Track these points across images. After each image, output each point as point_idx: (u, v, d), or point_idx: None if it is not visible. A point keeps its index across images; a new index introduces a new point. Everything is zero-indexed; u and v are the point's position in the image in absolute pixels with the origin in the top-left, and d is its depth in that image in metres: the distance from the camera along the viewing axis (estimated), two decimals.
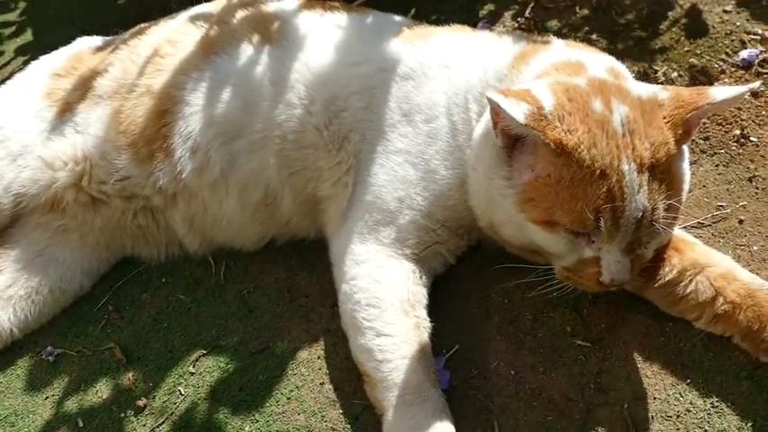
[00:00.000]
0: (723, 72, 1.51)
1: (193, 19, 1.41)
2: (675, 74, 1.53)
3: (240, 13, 1.37)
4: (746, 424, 1.00)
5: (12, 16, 2.39)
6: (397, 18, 1.39)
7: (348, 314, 1.15)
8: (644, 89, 1.05)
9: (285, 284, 1.31)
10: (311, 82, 1.25)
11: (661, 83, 1.51)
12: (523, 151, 1.02)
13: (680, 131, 1.01)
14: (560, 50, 1.15)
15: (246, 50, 1.31)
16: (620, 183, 0.96)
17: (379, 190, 1.18)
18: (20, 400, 1.24)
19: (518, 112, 0.96)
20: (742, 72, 1.50)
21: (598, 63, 1.11)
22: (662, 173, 0.99)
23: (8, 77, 1.64)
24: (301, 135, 1.25)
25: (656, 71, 1.53)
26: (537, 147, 0.99)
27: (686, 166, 1.07)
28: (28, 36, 2.26)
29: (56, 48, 1.56)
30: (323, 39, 1.29)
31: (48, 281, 1.33)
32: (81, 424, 1.18)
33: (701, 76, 1.52)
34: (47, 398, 1.24)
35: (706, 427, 1.01)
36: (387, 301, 1.12)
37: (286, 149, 1.25)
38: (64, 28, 2.11)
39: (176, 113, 1.28)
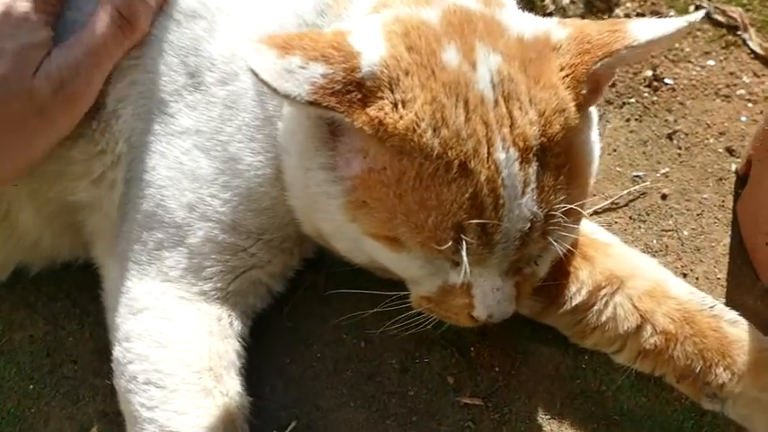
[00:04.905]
0: None
1: None
2: None
3: None
4: None
5: None
6: None
7: (123, 395, 0.76)
8: (529, 24, 0.68)
9: (43, 344, 0.88)
10: None
11: (550, 13, 1.16)
12: (351, 127, 0.65)
13: (584, 90, 0.66)
14: None
15: None
16: (493, 182, 0.61)
17: (160, 193, 0.78)
18: None
19: (297, 84, 0.59)
20: None
21: None
22: (558, 157, 0.64)
23: None
24: None
25: None
26: None
27: (594, 137, 0.73)
28: None
29: None
30: None
31: None
32: None
33: (598, 1, 1.20)
34: None
35: None
36: (176, 375, 0.73)
37: None
38: None
39: None
